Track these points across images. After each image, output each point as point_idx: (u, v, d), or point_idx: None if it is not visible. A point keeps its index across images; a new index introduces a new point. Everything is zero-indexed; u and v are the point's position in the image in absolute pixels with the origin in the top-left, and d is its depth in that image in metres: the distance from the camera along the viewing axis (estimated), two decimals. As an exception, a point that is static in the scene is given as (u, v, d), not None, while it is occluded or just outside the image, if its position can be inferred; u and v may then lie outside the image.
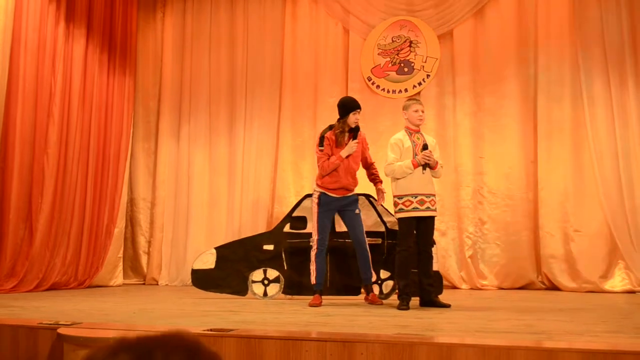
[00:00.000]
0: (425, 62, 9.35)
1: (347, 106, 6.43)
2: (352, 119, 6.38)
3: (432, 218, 6.11)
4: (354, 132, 6.44)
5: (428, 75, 9.32)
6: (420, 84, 9.34)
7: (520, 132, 8.97)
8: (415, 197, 6.00)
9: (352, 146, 6.33)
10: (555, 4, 8.95)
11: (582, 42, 8.68)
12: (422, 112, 6.24)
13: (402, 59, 9.47)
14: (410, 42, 9.46)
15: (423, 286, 6.06)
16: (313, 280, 6.40)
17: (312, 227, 6.56)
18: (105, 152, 9.35)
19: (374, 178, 6.68)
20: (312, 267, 6.41)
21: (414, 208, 6.00)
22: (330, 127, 6.49)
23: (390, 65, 9.51)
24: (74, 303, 6.48)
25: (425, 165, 6.03)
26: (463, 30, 9.33)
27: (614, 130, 8.46)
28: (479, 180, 9.04)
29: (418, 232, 6.07)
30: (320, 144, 6.43)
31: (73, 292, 8.23)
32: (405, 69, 9.44)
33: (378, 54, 9.58)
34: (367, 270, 6.43)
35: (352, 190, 6.47)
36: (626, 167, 8.35)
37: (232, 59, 10.17)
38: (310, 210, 6.91)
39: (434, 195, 6.11)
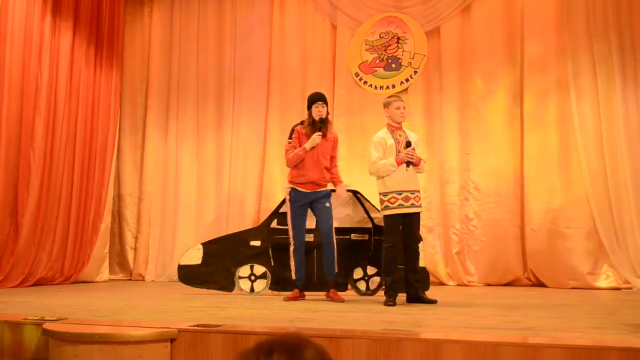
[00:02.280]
0: (413, 58, 9.35)
1: (310, 99, 6.57)
2: (314, 111, 6.45)
3: (417, 214, 6.14)
4: (324, 126, 6.44)
5: (415, 72, 9.32)
6: (407, 80, 9.34)
7: (506, 128, 8.98)
8: (400, 194, 6.03)
9: (314, 139, 6.33)
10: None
11: (569, 38, 8.69)
12: (404, 108, 6.27)
13: (389, 55, 9.47)
14: (398, 38, 9.45)
15: (410, 282, 6.07)
16: (293, 275, 6.46)
17: (288, 228, 6.56)
18: (91, 147, 9.29)
19: (332, 178, 6.63)
20: (291, 263, 6.46)
21: (399, 205, 6.02)
22: (302, 122, 6.56)
23: (377, 61, 9.50)
24: (60, 299, 6.45)
25: (409, 163, 6.04)
26: (450, 26, 9.33)
27: (600, 126, 8.48)
28: (466, 176, 9.05)
29: (404, 228, 6.09)
30: (290, 136, 6.51)
31: (59, 287, 8.19)
32: (393, 65, 9.44)
33: (366, 50, 9.57)
34: (330, 265, 6.38)
35: (322, 185, 6.46)
36: (612, 164, 8.38)
37: (220, 54, 10.13)
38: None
39: (418, 191, 6.14)
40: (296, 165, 6.45)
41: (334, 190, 6.74)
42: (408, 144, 6.07)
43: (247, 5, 10.07)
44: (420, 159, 6.12)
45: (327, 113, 6.53)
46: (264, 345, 1.49)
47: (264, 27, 9.96)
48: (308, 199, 6.44)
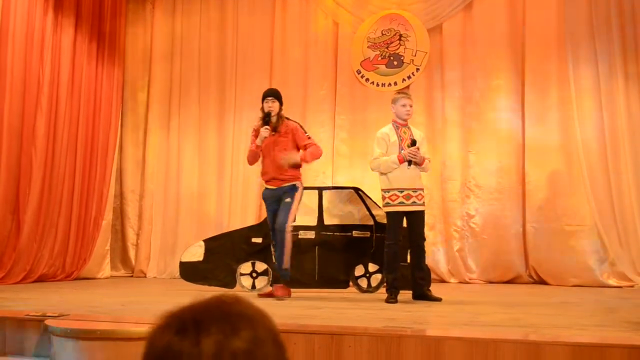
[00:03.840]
0: (415, 55, 9.33)
1: (263, 95, 6.57)
2: (265, 106, 6.46)
3: (421, 212, 6.12)
4: (276, 122, 6.40)
5: (417, 69, 9.31)
6: (409, 77, 9.33)
7: (508, 125, 8.97)
8: (402, 191, 6.01)
9: (262, 132, 6.33)
10: (544, -3, 8.95)
11: (570, 34, 8.67)
12: (410, 106, 6.21)
13: (391, 52, 9.46)
14: (400, 35, 9.44)
15: (416, 280, 6.07)
16: (286, 264, 6.32)
17: None
18: (93, 144, 9.28)
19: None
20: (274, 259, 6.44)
21: (400, 202, 6.01)
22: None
23: (379, 58, 9.49)
24: (62, 295, 6.46)
25: (411, 162, 6.01)
26: (452, 24, 9.31)
27: (602, 124, 8.46)
28: (467, 173, 9.04)
29: (408, 226, 6.10)
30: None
31: (60, 284, 8.19)
32: (395, 62, 9.43)
33: (368, 47, 9.55)
34: (279, 259, 6.31)
35: (285, 180, 6.39)
36: (614, 161, 8.36)
37: (222, 51, 10.12)
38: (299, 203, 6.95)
39: (421, 189, 6.12)
40: (262, 164, 6.48)
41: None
42: (413, 143, 6.04)
43: (249, 3, 10.05)
44: (424, 158, 6.10)
45: (280, 109, 6.48)
46: (187, 316, 1.10)
47: (266, 23, 9.94)
48: (275, 195, 6.42)
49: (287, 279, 6.33)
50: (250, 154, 6.52)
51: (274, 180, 6.41)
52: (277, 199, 6.41)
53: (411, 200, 6.02)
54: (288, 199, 6.36)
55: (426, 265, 6.29)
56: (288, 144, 6.42)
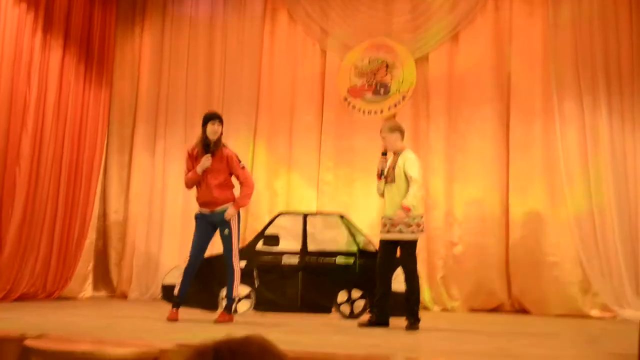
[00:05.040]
0: (401, 84, 9.36)
1: (206, 117, 6.38)
2: (209, 129, 6.28)
3: (403, 241, 6.04)
4: (216, 147, 6.27)
5: (404, 98, 9.34)
6: (395, 105, 9.35)
7: (492, 155, 8.98)
8: (382, 219, 6.16)
9: (204, 162, 6.20)
10: (530, 28, 9.02)
11: (555, 66, 8.74)
12: (382, 138, 6.30)
13: (378, 80, 9.49)
14: (387, 64, 9.48)
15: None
16: (176, 291, 6.27)
17: None
18: (78, 164, 9.21)
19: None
20: (178, 280, 6.32)
21: (380, 231, 6.15)
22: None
23: (366, 86, 9.52)
24: (42, 315, 6.37)
25: (382, 173, 6.15)
26: (438, 54, 9.36)
27: (586, 155, 8.51)
28: (451, 202, 9.03)
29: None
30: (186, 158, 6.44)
31: (41, 303, 8.06)
32: (381, 91, 9.46)
33: (355, 75, 9.58)
34: (230, 290, 6.25)
35: (218, 204, 6.27)
36: (597, 193, 8.38)
37: (209, 75, 10.12)
38: (282, 228, 6.94)
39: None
40: (196, 188, 6.36)
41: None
42: (383, 153, 6.22)
43: (237, 28, 10.07)
44: (382, 170, 6.18)
45: (221, 133, 6.38)
46: (224, 348, 1.38)
47: (254, 50, 9.96)
48: (210, 220, 6.32)
49: (230, 307, 6.26)
50: (190, 182, 6.33)
51: (207, 204, 6.30)
52: (212, 225, 6.33)
53: (385, 228, 6.09)
54: (226, 231, 6.27)
55: (414, 296, 6.11)
56: (221, 171, 6.30)
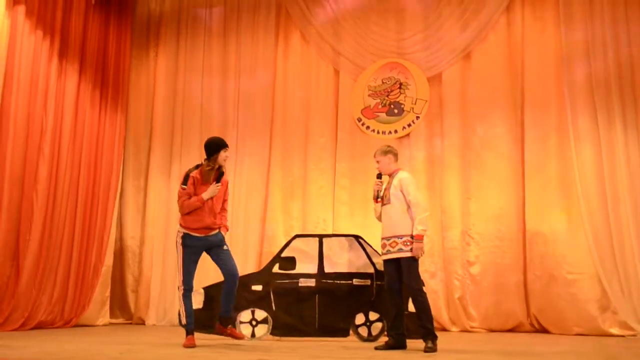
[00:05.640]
0: (415, 104, 9.37)
1: (218, 144, 6.36)
2: (222, 155, 6.32)
3: (404, 259, 5.96)
4: (219, 174, 6.34)
5: (417, 117, 9.34)
6: (409, 125, 9.35)
7: (508, 173, 8.97)
8: (381, 240, 6.14)
9: (214, 189, 6.23)
10: (543, 45, 9.01)
11: (569, 83, 8.73)
12: (377, 162, 6.32)
13: (392, 100, 9.50)
14: (400, 84, 9.49)
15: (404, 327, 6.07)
16: (183, 321, 6.27)
17: (178, 271, 6.35)
18: (94, 189, 9.27)
19: (221, 224, 6.48)
20: (181, 309, 6.28)
21: (382, 253, 6.14)
22: (197, 167, 6.38)
23: (380, 106, 9.53)
24: (60, 343, 6.36)
25: (378, 195, 6.17)
26: (452, 72, 9.39)
27: (602, 171, 8.47)
28: (467, 221, 9.00)
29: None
30: (184, 182, 6.31)
31: (59, 331, 8.07)
32: (395, 110, 9.46)
33: (368, 95, 9.60)
34: (232, 302, 6.32)
35: (214, 228, 6.34)
36: (614, 208, 8.33)
37: (223, 98, 10.17)
38: (298, 250, 6.91)
39: (396, 237, 6.00)
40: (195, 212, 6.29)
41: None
42: (378, 176, 6.24)
43: (251, 49, 10.14)
44: (378, 192, 6.20)
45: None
46: None
47: (268, 71, 10.02)
48: (203, 244, 6.30)
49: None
50: (193, 207, 6.23)
51: (205, 229, 6.29)
52: (205, 247, 6.32)
53: (385, 249, 6.07)
54: (225, 247, 6.39)
55: (424, 314, 6.07)
56: (221, 197, 6.41)
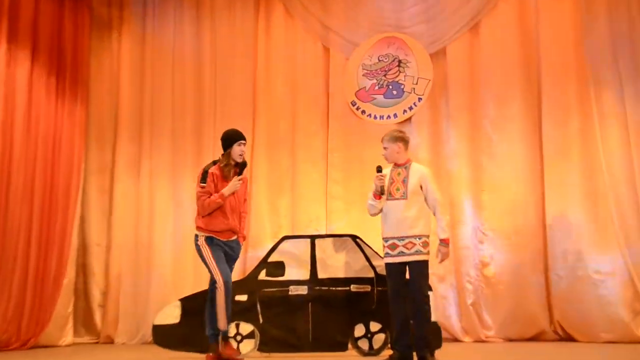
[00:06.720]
0: (416, 83, 9.31)
1: (231, 137, 6.47)
2: (236, 150, 6.41)
3: (417, 262, 5.96)
4: (241, 167, 6.43)
5: (420, 99, 9.27)
6: (411, 108, 9.30)
7: (524, 159, 8.93)
8: (387, 240, 6.06)
9: (235, 184, 6.30)
10: (560, 14, 8.98)
11: (590, 54, 8.70)
12: (384, 148, 6.26)
13: (390, 80, 9.44)
14: (399, 61, 9.44)
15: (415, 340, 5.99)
16: (224, 326, 6.22)
17: (210, 269, 6.30)
18: (52, 191, 9.15)
19: (241, 228, 6.59)
20: (218, 309, 6.19)
21: (386, 254, 6.07)
22: (214, 163, 6.47)
23: (376, 87, 9.47)
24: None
25: (382, 191, 6.07)
26: (457, 47, 9.33)
27: (629, 153, 8.42)
28: (479, 215, 8.96)
29: (410, 278, 6.03)
30: (203, 180, 6.35)
31: (15, 354, 7.98)
32: (394, 92, 9.40)
33: (363, 75, 9.53)
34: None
35: (236, 232, 6.46)
36: (647, 199, 8.29)
37: (198, 83, 10.07)
38: (287, 254, 6.85)
39: (412, 237, 5.98)
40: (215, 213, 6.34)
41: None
42: (378, 169, 6.13)
43: (227, 27, 10.06)
44: (381, 188, 6.09)
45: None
46: None
47: (248, 51, 9.93)
48: (227, 248, 6.41)
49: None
50: (215, 205, 6.29)
51: (229, 232, 6.39)
52: (224, 250, 6.38)
53: (397, 251, 6.00)
54: (233, 265, 6.56)
55: (435, 322, 6.12)
56: (243, 193, 6.52)
